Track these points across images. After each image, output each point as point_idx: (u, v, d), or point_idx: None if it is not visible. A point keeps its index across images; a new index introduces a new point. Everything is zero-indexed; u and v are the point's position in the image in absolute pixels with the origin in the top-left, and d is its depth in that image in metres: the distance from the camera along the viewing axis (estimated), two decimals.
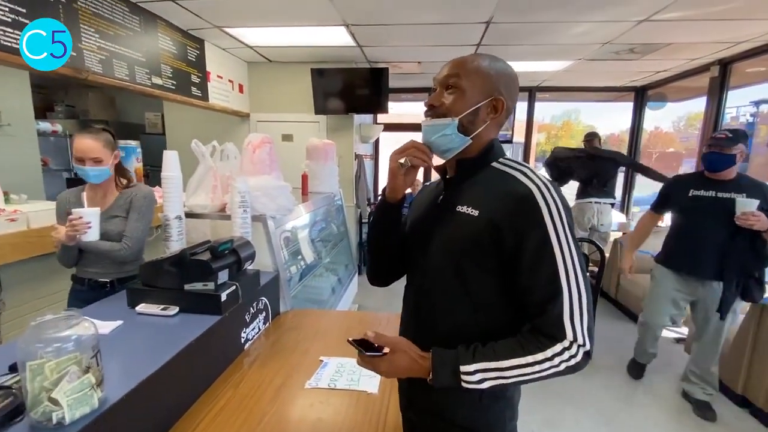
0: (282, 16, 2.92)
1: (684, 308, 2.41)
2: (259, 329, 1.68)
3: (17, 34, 1.94)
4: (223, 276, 1.44)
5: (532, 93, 5.36)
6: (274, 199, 1.96)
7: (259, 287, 1.69)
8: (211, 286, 1.38)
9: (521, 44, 3.49)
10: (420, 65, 4.35)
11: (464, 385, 0.73)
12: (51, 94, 5.43)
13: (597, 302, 3.60)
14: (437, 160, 0.88)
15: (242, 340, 1.54)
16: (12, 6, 1.92)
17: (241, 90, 4.22)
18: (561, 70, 4.38)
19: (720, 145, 2.06)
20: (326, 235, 3.16)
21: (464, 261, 0.79)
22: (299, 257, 2.47)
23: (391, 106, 4.30)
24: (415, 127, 6.20)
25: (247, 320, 1.58)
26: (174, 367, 1.10)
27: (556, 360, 0.71)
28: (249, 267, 1.66)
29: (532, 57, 3.90)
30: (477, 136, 0.82)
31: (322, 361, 1.46)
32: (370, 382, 1.31)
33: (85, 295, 1.71)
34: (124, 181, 1.83)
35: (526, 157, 5.64)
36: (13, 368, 0.93)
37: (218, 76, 3.75)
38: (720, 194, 2.11)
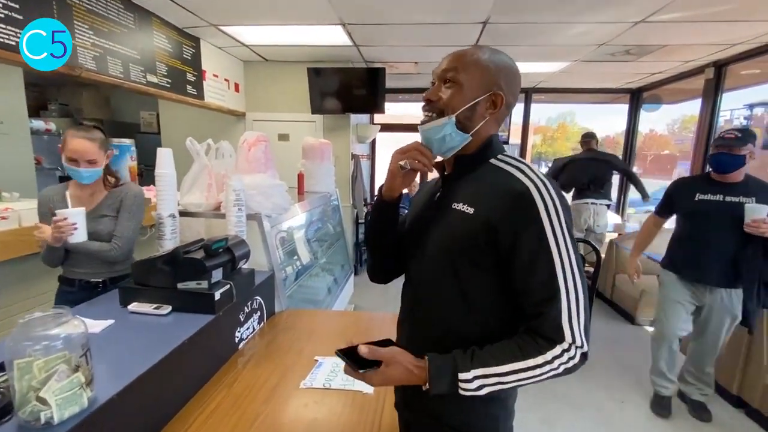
0: (278, 14, 2.91)
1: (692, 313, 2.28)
2: (254, 329, 1.67)
3: (10, 30, 1.92)
4: (216, 275, 1.43)
5: (529, 94, 5.38)
6: (269, 198, 1.95)
7: (253, 286, 1.68)
8: (204, 284, 1.37)
9: (518, 45, 3.50)
10: (417, 65, 4.35)
11: (462, 392, 0.71)
12: (45, 92, 5.38)
13: (593, 303, 3.61)
14: (436, 158, 0.86)
15: (236, 340, 1.52)
16: (5, 2, 1.90)
17: (237, 89, 4.20)
18: (557, 71, 4.39)
19: (729, 146, 1.93)
20: (322, 235, 3.14)
21: (459, 259, 0.77)
22: (295, 257, 2.46)
23: (388, 106, 4.30)
24: (412, 128, 6.20)
25: (242, 320, 1.56)
26: (166, 367, 1.08)
27: (556, 363, 0.70)
28: (244, 266, 1.64)
29: (529, 58, 3.91)
30: (476, 133, 0.80)
31: (317, 361, 1.44)
32: None
33: (75, 296, 1.66)
34: (113, 180, 1.78)
35: None
36: (0, 367, 0.91)
37: (214, 75, 3.73)
38: (728, 198, 1.98)
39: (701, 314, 2.20)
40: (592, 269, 3.14)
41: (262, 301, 1.74)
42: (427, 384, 0.72)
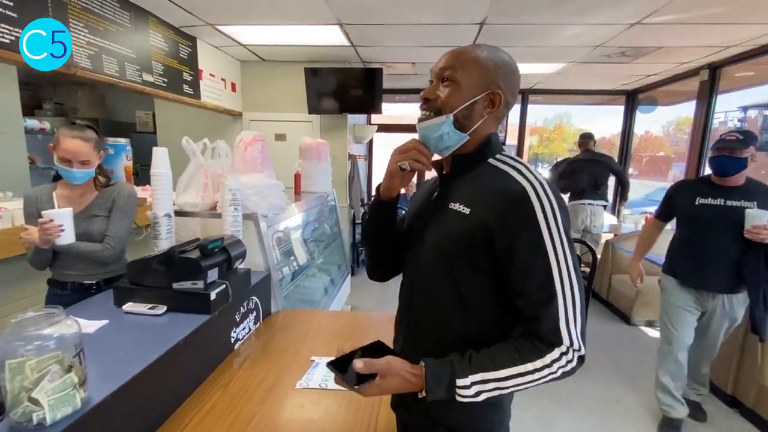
0: (276, 14, 2.90)
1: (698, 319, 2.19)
2: (250, 329, 1.66)
3: (4, 28, 1.91)
4: (212, 275, 1.42)
5: (525, 95, 5.40)
6: (265, 198, 1.94)
7: (249, 286, 1.67)
8: (200, 284, 1.36)
9: (514, 46, 3.51)
10: (414, 66, 4.35)
11: (459, 399, 0.69)
12: (39, 91, 5.34)
13: (588, 303, 3.63)
14: (434, 156, 0.85)
15: (232, 340, 1.51)
16: None
17: (233, 89, 4.19)
18: (554, 72, 4.41)
19: (730, 148, 1.88)
20: (319, 235, 3.14)
21: (455, 260, 0.77)
22: (291, 257, 2.45)
23: (385, 107, 4.30)
24: (409, 128, 6.21)
25: (237, 320, 1.55)
26: (161, 367, 1.07)
27: (555, 366, 0.69)
28: (240, 266, 1.64)
29: (526, 59, 3.92)
30: (474, 132, 0.79)
31: (313, 361, 1.44)
32: None
33: (68, 299, 1.62)
34: (103, 180, 1.75)
35: None
36: None
37: (211, 75, 3.72)
38: (729, 202, 1.93)
39: (702, 318, 2.15)
40: (588, 269, 3.16)
41: (258, 302, 1.73)
42: (424, 392, 0.70)
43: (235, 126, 4.40)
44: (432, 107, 0.79)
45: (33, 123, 4.31)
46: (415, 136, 0.83)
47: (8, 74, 3.30)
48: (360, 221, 4.91)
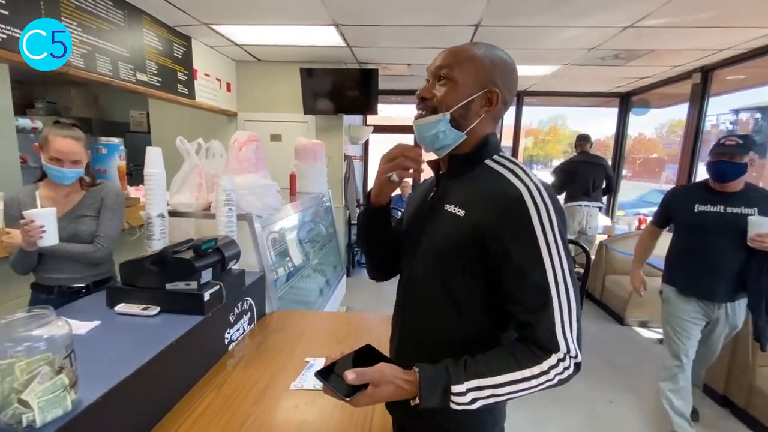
0: (271, 14, 2.89)
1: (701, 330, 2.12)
2: (244, 330, 1.65)
3: None
4: (206, 275, 1.41)
5: (520, 97, 5.43)
6: (260, 198, 1.93)
7: (244, 287, 1.66)
8: (193, 285, 1.35)
9: (509, 48, 3.47)
10: (409, 67, 4.36)
11: (453, 406, 0.67)
12: (32, 89, 5.28)
13: (582, 303, 3.64)
14: (431, 155, 0.85)
15: (226, 341, 1.50)
16: None
17: (228, 89, 4.17)
18: (548, 74, 4.44)
19: (730, 153, 1.82)
20: (314, 236, 3.13)
21: (447, 262, 0.76)
22: (286, 258, 2.44)
23: (381, 108, 4.30)
24: (405, 129, 6.22)
25: (231, 321, 1.54)
26: (154, 369, 1.07)
27: (552, 373, 0.68)
28: (234, 267, 1.63)
29: (520, 61, 3.93)
30: (471, 131, 0.78)
31: (307, 362, 1.43)
32: None
33: (54, 304, 1.57)
34: (88, 179, 1.72)
35: None
36: None
37: (205, 74, 3.70)
38: (729, 209, 1.88)
39: (706, 327, 2.10)
40: (582, 270, 3.17)
41: (252, 302, 1.73)
42: (417, 399, 0.68)
43: (230, 126, 4.38)
44: (428, 106, 0.79)
45: (25, 122, 4.26)
46: (412, 136, 0.84)
47: (0, 73, 3.26)
48: (355, 222, 4.90)
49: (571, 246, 3.80)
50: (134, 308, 1.34)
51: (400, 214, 0.99)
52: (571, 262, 0.71)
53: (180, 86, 3.32)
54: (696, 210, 1.95)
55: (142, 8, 2.80)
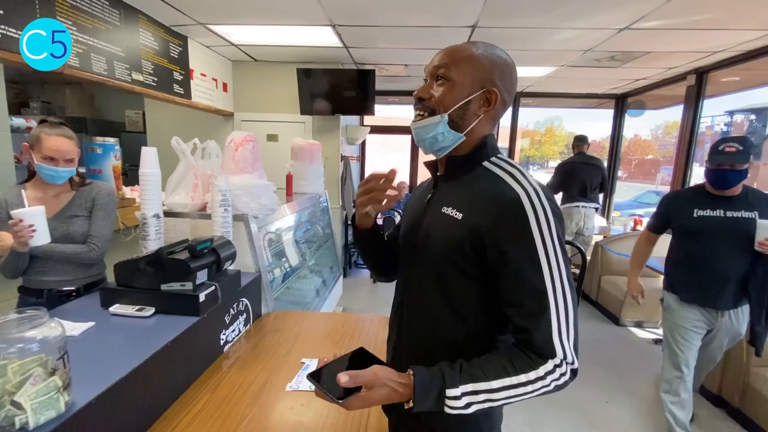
0: (268, 14, 2.89)
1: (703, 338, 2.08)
2: (240, 331, 1.64)
3: None
4: (201, 276, 1.41)
5: (517, 98, 5.45)
6: (256, 198, 1.93)
7: (239, 288, 1.65)
8: (189, 286, 1.34)
9: (506, 49, 3.51)
10: (406, 68, 4.36)
11: (447, 410, 0.66)
12: (26, 89, 5.24)
13: (578, 304, 3.66)
14: (429, 157, 0.85)
15: (221, 342, 1.50)
16: None
17: (225, 89, 4.16)
18: (544, 76, 4.45)
19: (731, 161, 1.78)
20: (311, 237, 3.12)
21: (445, 265, 0.75)
22: (283, 258, 2.44)
23: (378, 108, 4.30)
24: (401, 130, 6.22)
25: (227, 322, 1.54)
26: (148, 370, 1.06)
27: (548, 379, 0.67)
28: (230, 267, 1.62)
29: (517, 62, 3.84)
30: (470, 132, 0.77)
31: (303, 363, 1.43)
32: None
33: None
34: (78, 179, 1.68)
35: None
36: None
37: (202, 74, 3.69)
38: (729, 213, 1.84)
39: (707, 335, 2.06)
40: (578, 271, 3.19)
41: (248, 303, 1.72)
42: (411, 402, 0.66)
43: (226, 126, 4.37)
44: (426, 107, 0.78)
45: (19, 121, 4.22)
46: (410, 137, 0.84)
47: None
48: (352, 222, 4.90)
49: (567, 247, 3.84)
50: (129, 309, 1.33)
51: (398, 215, 0.99)
52: (569, 266, 0.70)
53: (176, 86, 3.31)
54: (695, 215, 1.92)
55: (138, 8, 2.79)
